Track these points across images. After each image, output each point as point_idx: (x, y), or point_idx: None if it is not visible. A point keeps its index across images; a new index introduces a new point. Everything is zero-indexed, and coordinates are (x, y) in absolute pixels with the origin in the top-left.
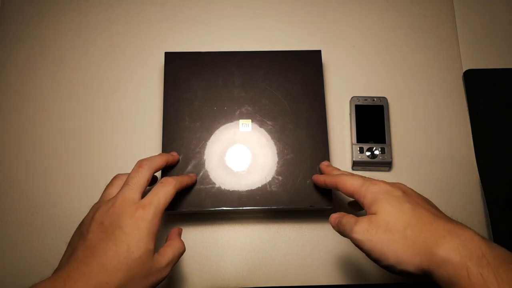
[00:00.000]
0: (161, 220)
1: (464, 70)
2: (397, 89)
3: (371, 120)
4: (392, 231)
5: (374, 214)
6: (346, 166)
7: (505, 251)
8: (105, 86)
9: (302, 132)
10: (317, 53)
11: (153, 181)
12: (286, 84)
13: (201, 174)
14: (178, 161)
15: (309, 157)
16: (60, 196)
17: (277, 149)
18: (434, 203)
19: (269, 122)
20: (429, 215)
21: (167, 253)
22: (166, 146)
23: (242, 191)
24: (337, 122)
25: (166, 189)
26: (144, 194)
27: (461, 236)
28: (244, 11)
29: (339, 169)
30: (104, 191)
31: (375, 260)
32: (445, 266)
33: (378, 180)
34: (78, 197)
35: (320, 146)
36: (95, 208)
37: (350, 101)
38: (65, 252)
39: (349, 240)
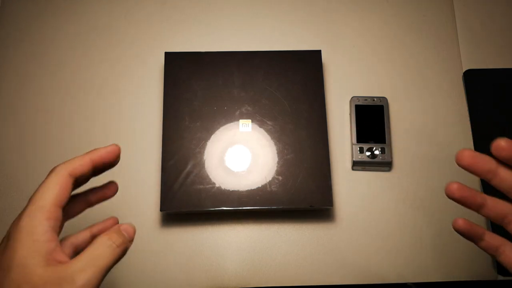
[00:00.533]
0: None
1: (464, 70)
2: (397, 89)
3: (371, 120)
4: None
5: None
6: (346, 166)
7: None
8: (105, 86)
9: (302, 132)
10: (317, 53)
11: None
12: (286, 84)
13: (201, 174)
14: (118, 157)
15: (309, 157)
16: None
17: (277, 149)
18: (434, 204)
19: (269, 122)
20: None
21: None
22: (166, 146)
23: (242, 191)
24: (337, 122)
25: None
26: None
27: None
28: (244, 11)
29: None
30: None
31: None
32: None
33: None
34: None
35: (320, 146)
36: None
37: (350, 101)
38: None
39: (349, 240)
